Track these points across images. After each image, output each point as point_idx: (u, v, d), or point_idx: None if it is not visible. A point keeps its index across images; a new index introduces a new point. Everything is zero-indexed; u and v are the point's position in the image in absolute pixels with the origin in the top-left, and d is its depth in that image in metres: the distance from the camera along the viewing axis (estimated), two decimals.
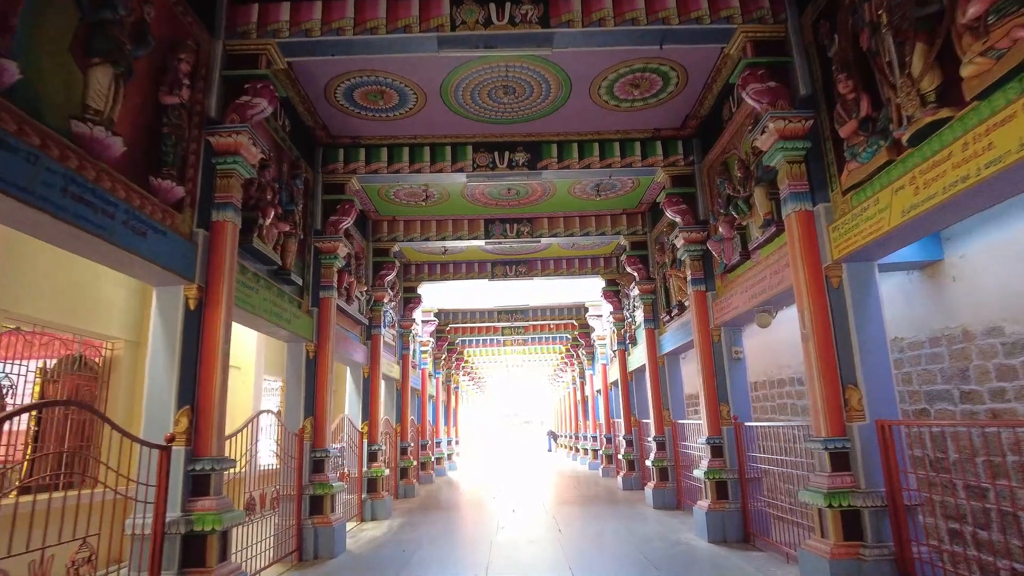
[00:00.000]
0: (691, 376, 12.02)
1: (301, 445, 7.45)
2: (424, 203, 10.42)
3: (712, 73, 7.22)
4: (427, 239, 11.32)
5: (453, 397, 24.65)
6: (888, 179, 4.52)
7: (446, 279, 14.10)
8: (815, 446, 5.13)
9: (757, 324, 6.93)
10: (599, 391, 19.31)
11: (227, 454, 5.19)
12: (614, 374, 15.47)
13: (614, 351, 14.49)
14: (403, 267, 14.05)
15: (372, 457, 10.45)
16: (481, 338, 23.20)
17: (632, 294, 12.99)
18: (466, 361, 26.65)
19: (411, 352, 15.50)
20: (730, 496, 7.70)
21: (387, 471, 10.62)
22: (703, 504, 7.79)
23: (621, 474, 13.39)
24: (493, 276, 14.02)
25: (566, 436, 31.81)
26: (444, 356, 20.81)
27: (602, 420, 17.36)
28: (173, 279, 4.93)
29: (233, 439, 5.48)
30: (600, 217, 11.46)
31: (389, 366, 12.51)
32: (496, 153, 8.55)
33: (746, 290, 7.10)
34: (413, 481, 13.28)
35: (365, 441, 10.41)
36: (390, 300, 12.55)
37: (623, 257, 11.60)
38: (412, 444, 14.32)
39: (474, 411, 44.32)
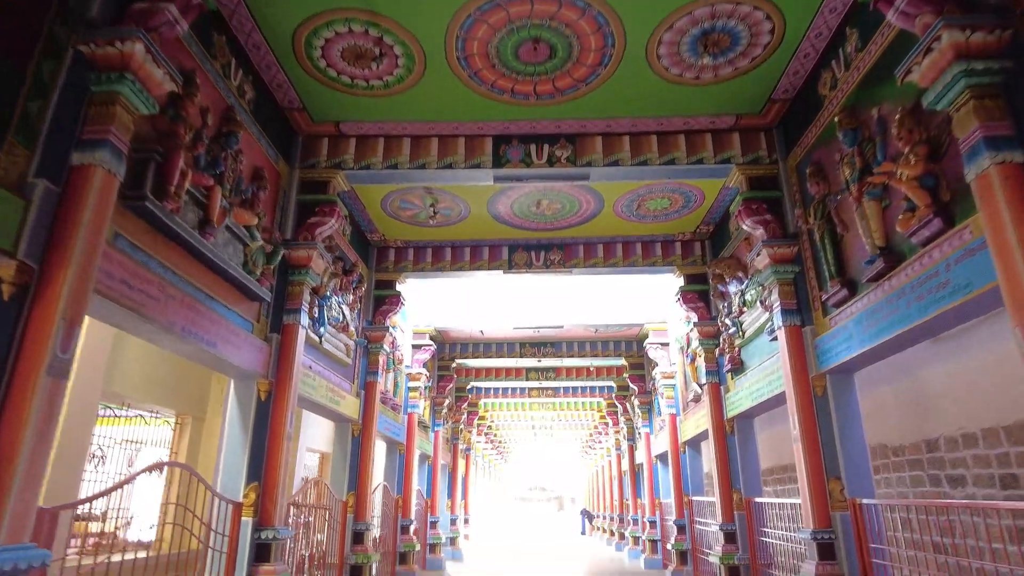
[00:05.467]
0: (886, 411, 6.69)
1: None
2: (377, 71, 5.67)
3: None
4: (393, 165, 6.55)
5: (462, 461, 19.29)
6: None
7: (440, 271, 9.27)
8: None
9: None
10: (660, 456, 13.90)
11: None
12: (694, 427, 10.20)
13: (701, 386, 9.27)
14: (376, 252, 9.29)
15: (261, 554, 5.36)
16: (500, 385, 18.14)
17: (734, 291, 7.94)
18: (482, 416, 21.43)
19: (390, 385, 10.51)
20: None
21: None
22: None
23: None
24: (511, 267, 9.16)
25: (603, 517, 25.87)
26: (449, 403, 15.68)
27: (670, 498, 11.87)
28: None
29: None
30: (695, 135, 6.59)
31: (333, 393, 7.54)
32: None
33: None
34: None
35: (252, 523, 5.36)
36: (340, 286, 7.71)
37: (735, 208, 6.66)
38: (375, 527, 9.13)
39: (493, 482, 38.43)
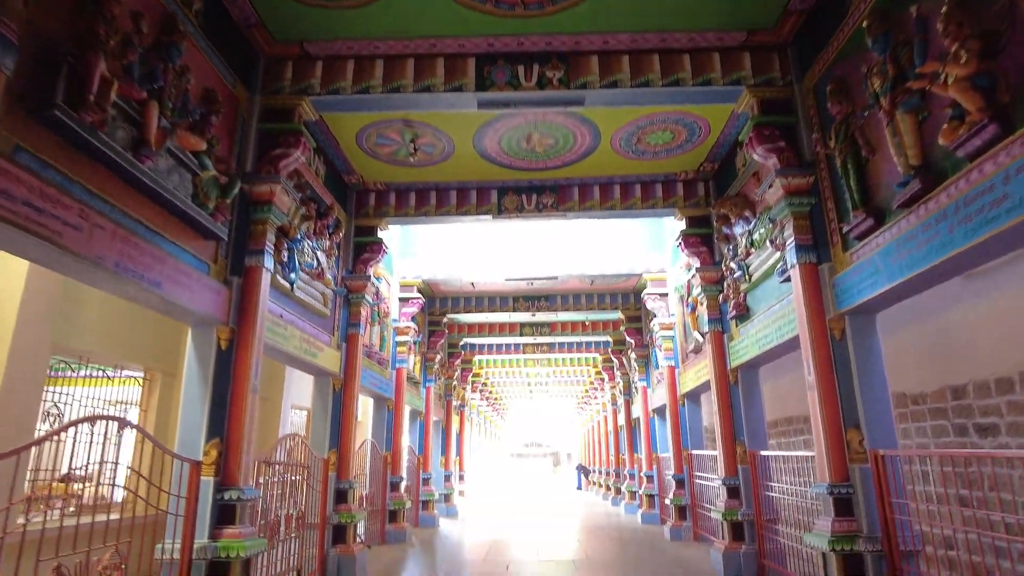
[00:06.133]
0: (905, 357, 6.04)
1: None
2: None
3: None
4: (365, 90, 5.86)
5: (456, 417, 18.98)
6: None
7: (424, 216, 8.66)
8: None
9: None
10: (657, 410, 13.54)
11: None
12: (694, 379, 9.76)
13: (703, 335, 8.78)
14: (355, 195, 8.65)
15: (225, 516, 4.89)
16: (493, 341, 17.74)
17: (740, 232, 7.38)
18: (477, 373, 21.07)
19: (376, 339, 10.02)
20: None
21: (251, 546, 5.00)
22: None
23: (720, 547, 7.57)
24: (501, 211, 8.56)
25: (598, 472, 25.84)
26: (441, 358, 15.24)
27: (668, 453, 11.53)
28: None
29: None
30: (702, 54, 5.90)
31: (309, 344, 7.01)
32: None
33: None
34: (353, 551, 7.62)
35: (213, 483, 4.88)
36: (314, 230, 7.11)
37: (745, 135, 6.01)
38: (361, 485, 8.74)
39: (488, 439, 38.51)
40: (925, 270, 4.00)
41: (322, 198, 7.42)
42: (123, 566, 3.75)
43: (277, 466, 6.16)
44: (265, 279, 5.53)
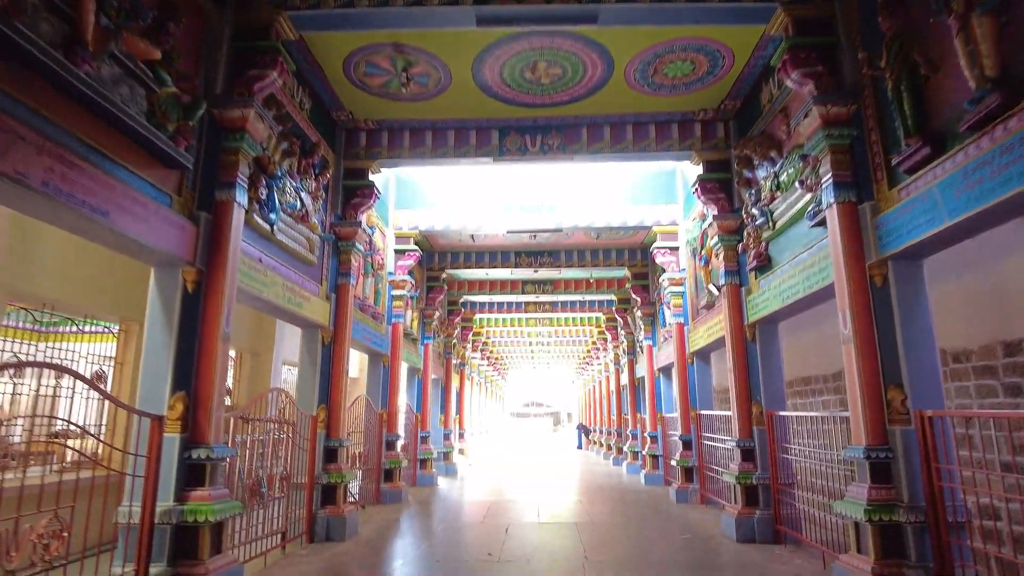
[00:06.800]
0: (948, 310, 5.39)
1: None
2: None
3: None
4: (350, 2, 5.16)
5: (456, 376, 18.57)
6: None
7: (419, 158, 8.01)
8: None
9: None
10: (662, 370, 13.07)
11: None
12: (705, 336, 9.22)
13: (718, 288, 8.21)
14: (344, 135, 7.98)
15: (194, 476, 4.40)
16: (495, 299, 17.23)
17: (764, 175, 6.73)
18: (477, 332, 20.62)
19: (370, 292, 9.47)
20: None
21: (222, 509, 4.53)
22: None
23: (732, 511, 7.13)
24: (502, 153, 7.93)
25: (600, 431, 25.61)
26: (440, 315, 14.73)
27: (674, 413, 11.08)
28: None
29: None
30: None
31: (293, 293, 6.46)
32: None
33: None
34: (343, 511, 7.20)
35: (180, 440, 4.38)
36: (298, 168, 6.48)
37: (777, 60, 5.33)
38: (349, 444, 8.31)
39: (489, 398, 38.41)
40: (1001, 201, 3.40)
41: (307, 134, 6.78)
42: (65, 534, 3.25)
43: (255, 422, 5.68)
44: (238, 215, 4.95)
